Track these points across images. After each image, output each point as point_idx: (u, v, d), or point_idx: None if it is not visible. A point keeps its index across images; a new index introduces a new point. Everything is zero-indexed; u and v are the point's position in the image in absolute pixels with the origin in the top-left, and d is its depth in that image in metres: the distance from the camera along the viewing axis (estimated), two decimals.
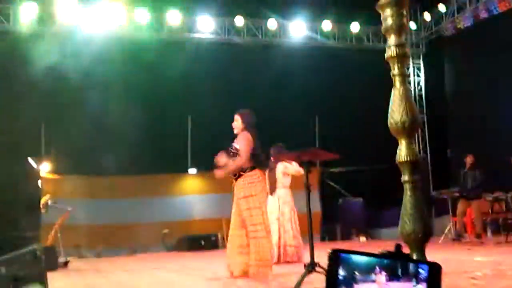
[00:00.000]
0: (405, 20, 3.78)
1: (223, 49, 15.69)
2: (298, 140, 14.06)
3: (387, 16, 3.78)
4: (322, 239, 15.36)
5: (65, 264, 9.54)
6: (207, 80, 15.21)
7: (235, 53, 15.65)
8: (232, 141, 5.79)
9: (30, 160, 12.35)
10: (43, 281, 5.61)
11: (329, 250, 1.93)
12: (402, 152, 3.64)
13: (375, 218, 15.76)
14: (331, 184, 16.29)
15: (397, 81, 3.76)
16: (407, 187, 3.63)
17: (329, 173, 16.19)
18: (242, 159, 5.59)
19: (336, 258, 1.92)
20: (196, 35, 15.61)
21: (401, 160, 3.64)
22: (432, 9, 16.43)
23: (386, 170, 13.68)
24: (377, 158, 13.50)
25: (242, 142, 5.65)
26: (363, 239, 14.88)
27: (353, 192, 16.14)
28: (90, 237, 13.65)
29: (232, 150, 5.69)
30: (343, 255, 1.92)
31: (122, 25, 14.67)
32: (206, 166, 15.61)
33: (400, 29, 3.74)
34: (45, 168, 14.31)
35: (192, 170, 16.39)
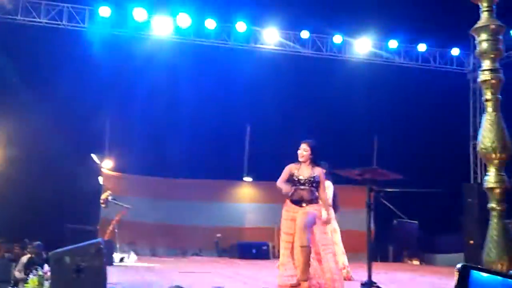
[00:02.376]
0: (500, 45, 3.74)
1: (287, 62, 15.81)
2: (355, 157, 14.03)
3: (482, 41, 3.74)
4: (373, 259, 15.14)
5: (121, 259, 9.85)
6: (268, 91, 15.38)
7: (298, 66, 15.75)
8: (290, 158, 5.95)
9: (93, 156, 12.93)
10: (104, 274, 5.87)
11: (459, 265, 1.86)
12: (491, 179, 3.59)
13: (430, 242, 15.39)
14: (385, 204, 16.08)
15: (489, 107, 3.70)
16: (494, 214, 3.58)
17: (384, 192, 15.96)
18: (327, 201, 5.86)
19: (465, 274, 1.81)
20: (262, 46, 15.80)
21: (489, 186, 3.59)
22: None
23: (444, 194, 13.47)
24: (436, 181, 13.25)
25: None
26: (415, 262, 14.59)
27: (408, 214, 15.87)
28: (145, 236, 14.02)
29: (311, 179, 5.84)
30: (474, 271, 1.81)
31: (190, 32, 15.01)
32: (262, 175, 15.83)
33: (495, 54, 3.70)
34: (107, 165, 14.83)
35: (248, 178, 16.58)
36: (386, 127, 15.44)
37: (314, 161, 5.87)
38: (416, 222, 15.61)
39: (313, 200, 5.78)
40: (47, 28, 14.28)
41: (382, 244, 15.53)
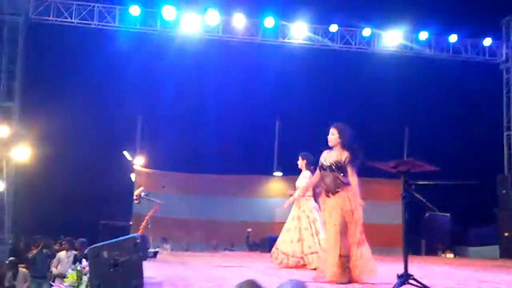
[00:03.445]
0: None
1: (315, 56, 15.77)
2: (386, 150, 13.93)
3: None
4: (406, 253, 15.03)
5: (155, 254, 10.01)
6: (298, 85, 15.39)
7: (327, 60, 15.69)
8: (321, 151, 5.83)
9: (125, 153, 13.11)
10: (140, 268, 5.98)
11: None
12: None
13: (463, 235, 15.21)
14: (417, 197, 15.93)
15: None
16: None
17: (416, 185, 15.83)
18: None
19: None
20: (290, 41, 15.77)
21: None
22: None
23: (478, 185, 13.30)
24: (468, 173, 13.08)
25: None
26: (450, 255, 14.44)
27: (440, 206, 15.70)
28: (177, 231, 14.21)
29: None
30: None
31: (218, 28, 15.08)
32: (291, 169, 15.84)
33: None
34: (140, 162, 15.05)
35: (278, 173, 16.62)
36: (417, 118, 15.30)
37: (344, 144, 5.71)
38: (449, 214, 15.44)
39: (338, 188, 5.62)
40: (78, 27, 14.54)
41: (414, 237, 15.41)
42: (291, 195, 7.85)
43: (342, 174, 5.61)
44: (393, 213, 12.88)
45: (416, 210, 15.58)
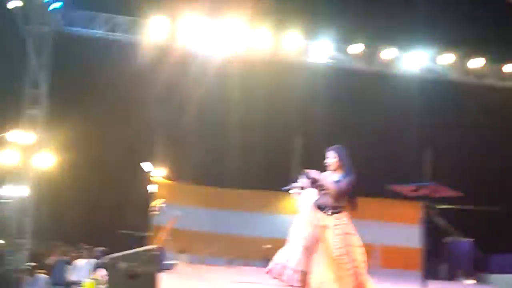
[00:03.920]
0: None
1: (338, 75, 15.74)
2: (406, 172, 13.81)
3: None
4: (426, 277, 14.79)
5: (171, 266, 10.00)
6: (319, 104, 15.36)
7: (350, 79, 15.67)
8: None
9: (144, 165, 13.13)
10: (157, 280, 5.97)
11: None
12: None
13: (484, 261, 14.92)
14: (437, 221, 15.71)
15: None
16: None
17: (438, 209, 15.62)
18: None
19: None
20: (313, 59, 15.74)
21: None
22: None
23: (500, 212, 13.07)
24: (492, 199, 12.89)
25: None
26: (470, 281, 14.15)
27: (462, 231, 15.46)
28: (195, 244, 14.17)
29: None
30: None
31: (242, 45, 15.10)
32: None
33: None
34: (161, 174, 15.09)
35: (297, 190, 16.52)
36: (440, 142, 15.14)
37: (345, 166, 5.59)
38: (471, 240, 15.18)
39: (337, 208, 5.56)
40: (104, 38, 14.71)
41: (434, 262, 15.17)
42: None
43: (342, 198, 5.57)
44: (413, 236, 12.71)
45: (438, 234, 15.38)
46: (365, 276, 5.43)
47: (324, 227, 5.59)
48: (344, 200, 5.55)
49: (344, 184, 5.49)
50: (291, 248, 7.48)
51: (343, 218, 5.53)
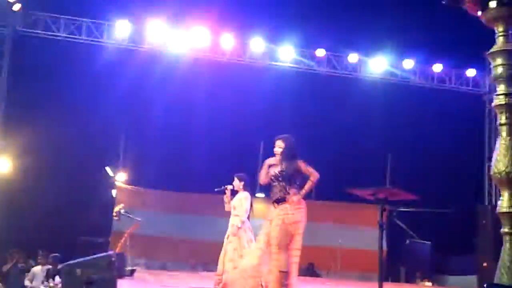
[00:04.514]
0: None
1: (302, 80, 15.87)
2: (368, 176, 14.00)
3: (498, 65, 3.77)
4: (385, 279, 15.00)
5: (132, 272, 9.89)
6: (283, 108, 15.44)
7: (313, 84, 15.81)
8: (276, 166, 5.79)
9: (107, 169, 13.04)
10: (114, 286, 5.90)
11: (485, 284, 1.91)
12: (504, 203, 3.57)
13: (443, 264, 15.22)
14: (398, 224, 15.95)
15: (504, 131, 3.67)
16: (506, 239, 3.55)
17: (397, 212, 15.88)
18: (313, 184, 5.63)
19: None
20: (277, 64, 15.85)
21: (502, 211, 3.57)
22: None
23: (458, 214, 13.34)
24: (450, 202, 13.16)
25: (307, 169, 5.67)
26: (428, 284, 14.42)
27: (421, 234, 15.72)
28: (156, 249, 14.04)
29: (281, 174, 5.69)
30: None
31: (206, 48, 15.12)
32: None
33: (510, 78, 3.71)
34: (121, 178, 14.93)
35: (260, 195, 16.55)
36: (400, 146, 15.39)
37: (290, 154, 5.73)
38: (429, 242, 15.45)
39: (284, 197, 5.61)
40: (66, 42, 14.51)
41: (394, 264, 15.39)
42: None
43: (288, 185, 5.64)
44: (373, 239, 12.87)
45: (397, 237, 15.61)
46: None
47: (270, 220, 5.67)
48: (288, 188, 5.61)
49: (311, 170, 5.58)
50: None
51: (286, 207, 5.58)
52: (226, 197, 7.74)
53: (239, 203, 7.67)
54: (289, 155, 5.72)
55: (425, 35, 14.47)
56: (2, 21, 13.97)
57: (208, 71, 15.07)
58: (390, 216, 15.82)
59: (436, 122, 15.24)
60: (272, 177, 5.74)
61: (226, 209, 7.75)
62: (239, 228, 7.50)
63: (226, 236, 7.77)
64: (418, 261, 15.11)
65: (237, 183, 7.84)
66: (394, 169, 16.12)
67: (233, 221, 7.67)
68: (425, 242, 15.49)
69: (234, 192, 7.91)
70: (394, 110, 15.37)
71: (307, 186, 5.64)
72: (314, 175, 5.63)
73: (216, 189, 7.95)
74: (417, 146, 15.34)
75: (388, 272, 15.33)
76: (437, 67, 16.14)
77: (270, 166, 5.81)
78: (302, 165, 5.66)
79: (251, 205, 7.66)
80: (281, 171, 5.67)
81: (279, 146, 5.80)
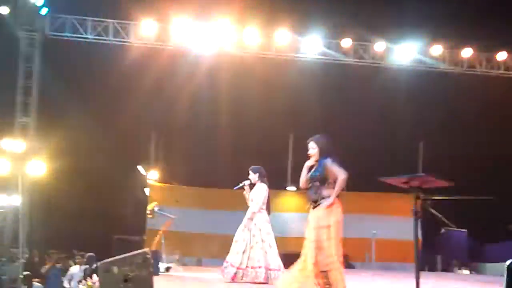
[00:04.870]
0: None
1: (329, 70, 15.75)
2: (400, 165, 13.82)
3: None
4: (421, 269, 14.85)
5: (167, 269, 9.97)
6: (311, 100, 15.35)
7: (341, 74, 15.67)
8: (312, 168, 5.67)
9: (139, 167, 13.13)
10: (151, 283, 5.95)
11: (508, 262, 1.85)
12: None
13: (480, 251, 14.96)
14: (433, 212, 15.74)
15: None
16: None
17: (431, 200, 15.67)
18: (341, 184, 5.51)
19: None
20: (303, 55, 15.75)
21: None
22: None
23: (494, 202, 13.06)
24: (486, 189, 12.89)
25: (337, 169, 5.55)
26: (466, 272, 14.21)
27: (456, 222, 15.47)
28: (190, 245, 14.15)
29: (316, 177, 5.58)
30: None
31: (231, 43, 15.10)
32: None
33: None
34: (154, 176, 15.07)
35: (291, 188, 16.54)
36: (432, 133, 15.16)
37: (324, 155, 5.59)
38: (465, 230, 15.21)
39: (319, 198, 5.50)
40: (93, 43, 14.68)
41: (430, 253, 15.20)
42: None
43: (322, 186, 5.53)
44: (407, 228, 12.73)
45: (432, 226, 15.40)
46: (337, 270, 5.40)
47: (307, 222, 5.61)
48: (324, 192, 5.51)
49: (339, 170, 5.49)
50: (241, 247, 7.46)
51: (320, 210, 5.49)
52: (246, 193, 7.74)
53: (255, 195, 7.68)
54: (322, 156, 5.58)
55: (452, 20, 14.20)
56: (31, 25, 14.19)
57: (234, 66, 15.09)
58: (425, 205, 15.62)
59: (468, 107, 14.93)
60: (307, 180, 5.64)
61: (249, 204, 7.76)
62: (249, 219, 7.52)
63: (241, 228, 7.74)
64: (455, 249, 14.90)
65: (252, 176, 7.85)
66: (426, 157, 15.91)
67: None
68: (461, 230, 15.26)
69: (253, 186, 7.92)
70: (424, 98, 15.16)
71: (336, 188, 5.52)
72: (340, 175, 5.50)
73: (234, 188, 7.95)
74: (450, 133, 15.07)
75: (424, 261, 15.16)
76: (467, 52, 15.82)
77: (310, 168, 5.70)
78: (328, 165, 5.51)
79: (268, 197, 7.66)
80: (315, 172, 5.57)
81: (312, 148, 5.66)
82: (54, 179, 13.71)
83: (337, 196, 5.53)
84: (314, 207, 5.51)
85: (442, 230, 15.45)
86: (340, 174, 5.45)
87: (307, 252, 5.55)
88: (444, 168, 12.85)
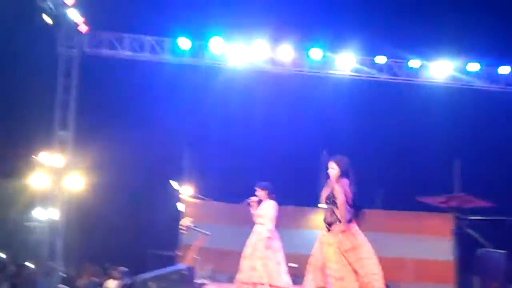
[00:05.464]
0: None
1: (362, 87, 15.69)
2: (435, 184, 13.61)
3: None
4: None
5: (201, 286, 9.99)
6: (344, 117, 15.31)
7: (374, 92, 15.60)
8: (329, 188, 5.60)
9: (172, 183, 13.23)
10: None
11: None
12: None
13: None
14: (469, 233, 15.41)
15: None
16: None
17: (469, 220, 15.34)
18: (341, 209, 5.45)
19: None
20: (337, 72, 15.72)
21: None
22: None
23: None
24: None
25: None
26: None
27: (495, 243, 15.11)
28: (223, 262, 14.12)
29: (330, 198, 5.54)
30: None
31: (265, 60, 15.19)
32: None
33: None
34: (187, 192, 15.17)
35: (323, 205, 16.40)
36: (469, 151, 14.91)
37: (342, 177, 5.54)
38: (504, 252, 14.81)
39: (335, 221, 5.44)
40: (130, 59, 14.95)
41: (467, 275, 14.86)
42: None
43: (336, 208, 5.47)
44: (444, 249, 12.50)
45: (469, 246, 15.07)
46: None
47: (322, 243, 5.55)
48: (338, 215, 5.45)
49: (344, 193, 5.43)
50: (253, 262, 7.39)
51: (338, 234, 5.42)
52: (253, 210, 7.70)
53: (264, 212, 7.63)
54: (340, 177, 5.53)
55: (490, 37, 14.04)
56: (69, 42, 14.53)
57: (267, 83, 15.16)
58: (462, 225, 15.32)
59: (507, 125, 14.67)
60: (323, 199, 5.64)
61: (256, 221, 7.73)
62: (268, 237, 7.48)
63: (250, 243, 7.68)
64: (493, 271, 14.50)
65: (260, 193, 7.80)
66: (463, 176, 15.64)
67: (257, 229, 7.63)
68: (500, 251, 14.86)
69: (260, 202, 7.87)
70: (459, 115, 14.96)
71: (340, 214, 5.45)
72: (338, 199, 5.45)
73: (241, 202, 7.91)
74: (487, 151, 14.82)
75: (460, 282, 14.82)
76: (504, 69, 15.57)
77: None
78: (336, 187, 5.45)
79: (278, 214, 7.62)
80: (329, 193, 5.54)
81: (331, 167, 5.62)
82: (90, 193, 13.93)
83: (354, 218, 5.46)
84: (328, 230, 5.48)
85: (479, 251, 15.09)
86: (339, 199, 5.41)
87: (346, 277, 5.48)
88: (480, 187, 12.63)
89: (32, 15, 13.04)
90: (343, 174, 5.52)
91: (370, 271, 5.35)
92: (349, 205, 5.40)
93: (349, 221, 5.42)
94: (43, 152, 13.39)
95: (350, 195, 5.40)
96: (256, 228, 7.66)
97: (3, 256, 13.34)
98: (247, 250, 7.67)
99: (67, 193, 13.74)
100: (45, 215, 13.43)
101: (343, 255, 5.39)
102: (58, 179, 13.44)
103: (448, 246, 11.70)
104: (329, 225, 5.47)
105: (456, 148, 15.14)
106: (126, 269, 9.85)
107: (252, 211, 7.71)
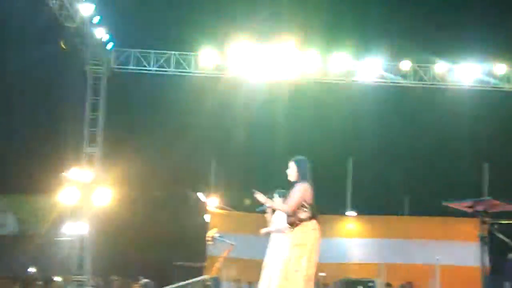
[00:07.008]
0: None
1: (388, 93, 15.59)
2: (464, 187, 13.43)
3: None
4: None
5: None
6: (370, 124, 15.25)
7: (400, 97, 15.49)
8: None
9: (199, 194, 13.33)
10: None
11: None
12: None
13: None
14: (500, 237, 15.12)
15: None
16: None
17: (498, 224, 15.07)
18: (287, 207, 5.48)
19: None
20: (362, 79, 15.62)
21: None
22: None
23: None
24: None
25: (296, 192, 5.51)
26: None
27: None
28: (249, 272, 14.14)
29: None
30: None
31: (287, 70, 15.22)
32: (366, 209, 15.54)
33: None
34: (213, 203, 15.30)
35: (351, 213, 16.33)
36: (497, 155, 14.67)
37: (301, 178, 5.51)
38: None
39: (292, 223, 5.46)
40: (156, 75, 15.22)
41: (497, 280, 14.57)
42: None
43: (299, 209, 5.47)
44: (472, 254, 12.30)
45: (500, 251, 14.77)
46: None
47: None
48: (298, 214, 5.46)
49: (291, 200, 5.45)
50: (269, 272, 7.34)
51: (296, 231, 5.46)
52: (268, 216, 7.68)
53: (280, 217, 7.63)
54: (299, 179, 5.55)
55: None
56: (97, 59, 14.87)
57: (290, 92, 15.19)
58: (491, 229, 15.01)
59: None
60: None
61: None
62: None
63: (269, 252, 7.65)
64: None
65: (278, 199, 7.78)
66: (492, 179, 15.39)
67: (275, 237, 7.63)
68: None
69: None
70: (487, 119, 14.73)
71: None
72: (284, 206, 5.55)
73: (257, 210, 7.89)
74: None
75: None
76: None
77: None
78: (292, 190, 5.48)
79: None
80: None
81: (291, 167, 5.64)
82: (118, 207, 14.17)
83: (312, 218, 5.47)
84: (292, 229, 5.53)
85: (509, 256, 14.79)
86: (284, 205, 5.49)
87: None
88: (509, 191, 12.40)
89: (59, 35, 13.40)
90: (302, 176, 5.54)
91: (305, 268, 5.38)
92: (310, 205, 5.46)
93: (301, 221, 5.48)
94: (73, 168, 13.68)
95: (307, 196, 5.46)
96: (274, 236, 7.66)
97: (33, 270, 13.65)
98: (266, 259, 7.68)
99: (95, 208, 13.99)
100: (74, 230, 13.70)
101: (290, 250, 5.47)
102: (87, 194, 13.71)
103: (476, 251, 11.55)
104: (290, 225, 5.55)
105: (484, 152, 14.92)
106: (149, 281, 9.98)
107: (266, 217, 7.73)
